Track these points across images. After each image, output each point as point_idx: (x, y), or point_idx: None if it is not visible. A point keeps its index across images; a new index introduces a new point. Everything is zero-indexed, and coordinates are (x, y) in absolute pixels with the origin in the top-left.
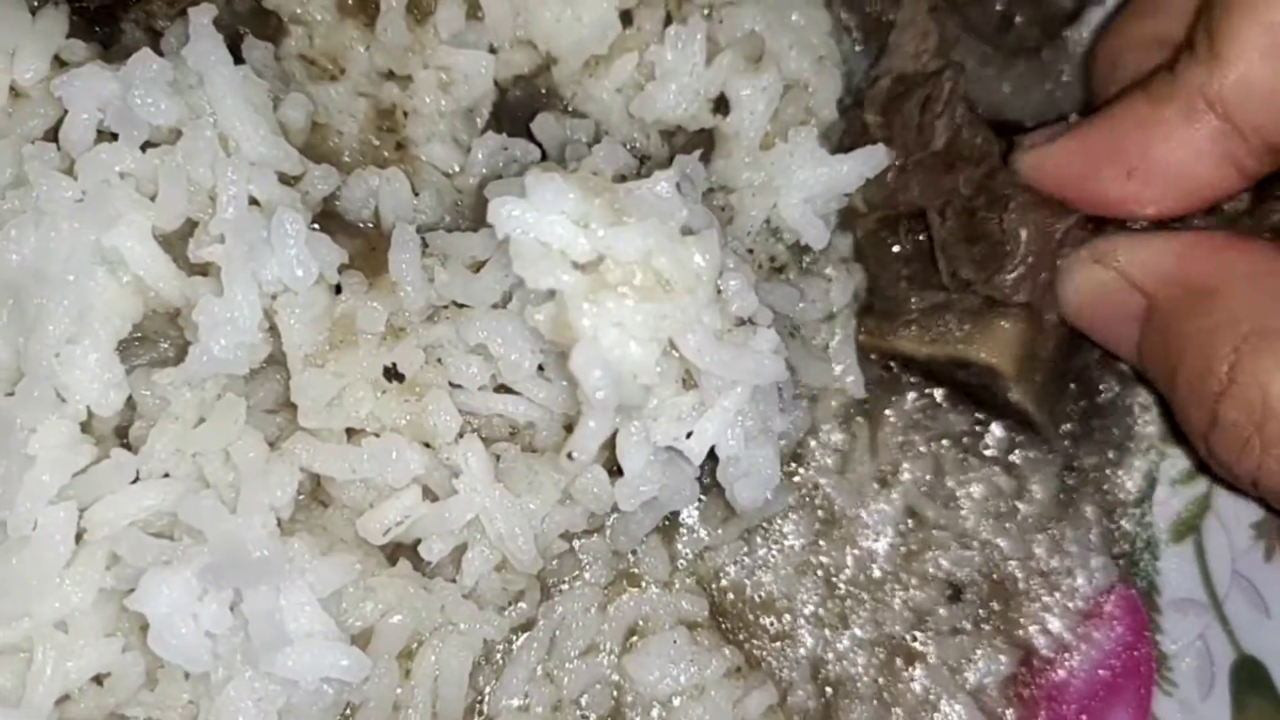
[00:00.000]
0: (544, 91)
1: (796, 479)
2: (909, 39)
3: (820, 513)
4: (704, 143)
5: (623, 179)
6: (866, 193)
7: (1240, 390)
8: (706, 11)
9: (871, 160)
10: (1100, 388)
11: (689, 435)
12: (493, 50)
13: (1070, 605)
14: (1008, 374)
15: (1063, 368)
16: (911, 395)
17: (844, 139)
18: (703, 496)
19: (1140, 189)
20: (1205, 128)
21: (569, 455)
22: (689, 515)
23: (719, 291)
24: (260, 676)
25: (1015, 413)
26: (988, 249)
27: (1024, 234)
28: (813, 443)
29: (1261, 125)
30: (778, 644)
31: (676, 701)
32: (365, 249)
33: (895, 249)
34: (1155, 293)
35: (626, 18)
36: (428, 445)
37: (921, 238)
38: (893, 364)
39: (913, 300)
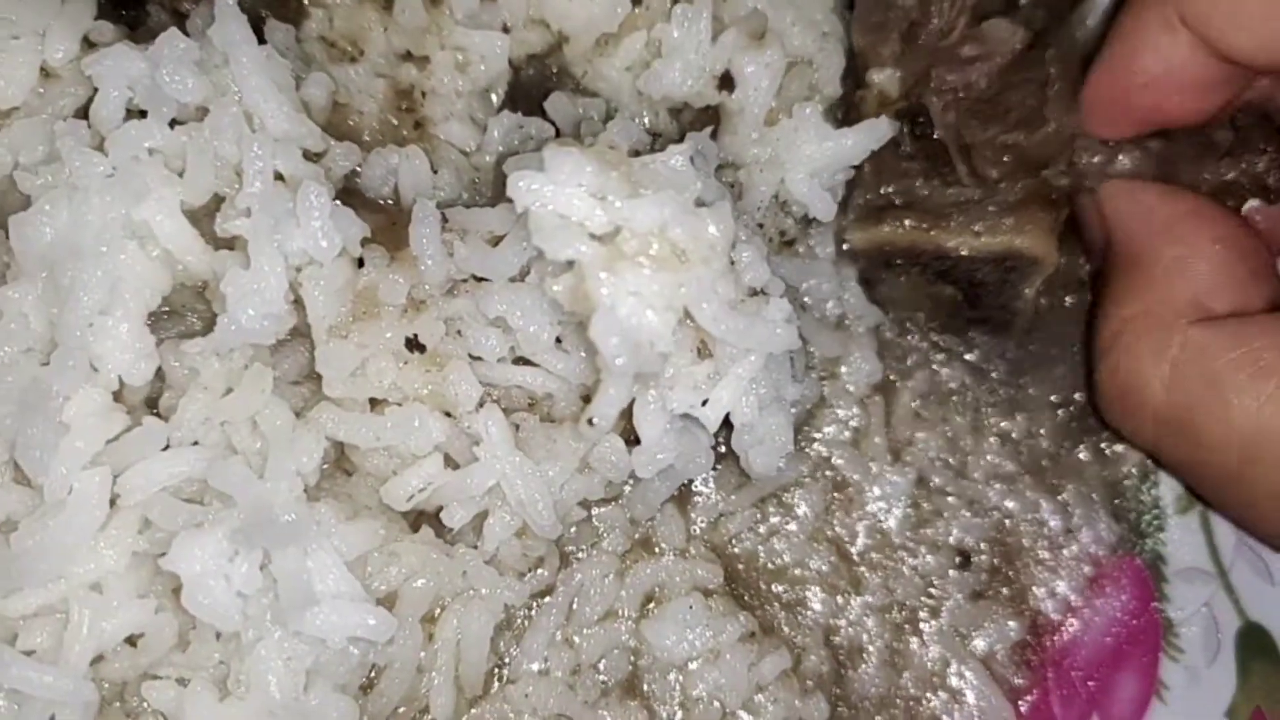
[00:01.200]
0: (555, 70)
1: (809, 450)
2: None
3: (832, 483)
4: (711, 119)
5: (636, 154)
6: (903, 82)
7: (1114, 357)
8: None
9: (875, 133)
10: None
11: (704, 403)
12: (506, 30)
13: (1077, 572)
14: (1050, 263)
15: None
16: (927, 368)
17: (860, 21)
18: (717, 465)
19: (1164, 103)
20: (1186, 45)
21: (589, 421)
22: (704, 484)
23: (732, 262)
24: (289, 636)
25: (1006, 311)
26: (1025, 153)
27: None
28: (826, 415)
29: (1231, 45)
30: (790, 610)
31: (692, 666)
32: (386, 224)
33: (900, 147)
34: (1111, 245)
35: None
36: (449, 415)
37: (923, 134)
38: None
39: (942, 195)
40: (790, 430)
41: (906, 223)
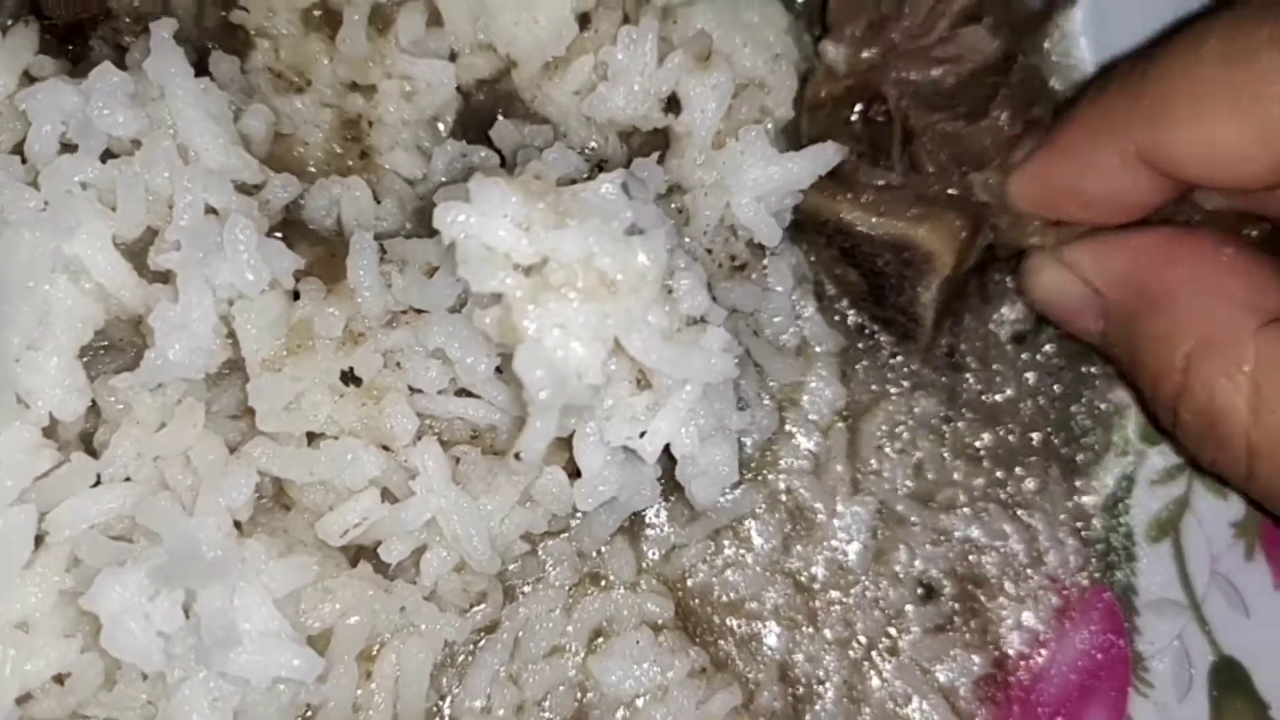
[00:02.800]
0: (507, 95)
1: (766, 479)
2: None
3: (790, 514)
4: (662, 143)
5: (573, 181)
6: (850, 61)
7: (1191, 396)
8: (662, 12)
9: (822, 158)
10: (1086, 392)
11: (643, 435)
12: (454, 56)
13: (1044, 603)
14: (944, 266)
15: (966, 284)
16: (891, 395)
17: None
18: (670, 496)
19: (1095, 214)
20: (1142, 175)
21: (516, 455)
22: (656, 515)
23: (670, 291)
24: (214, 676)
25: (907, 316)
26: (961, 145)
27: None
28: (786, 444)
29: (1193, 179)
30: (744, 645)
31: (640, 703)
32: (325, 255)
33: (850, 123)
34: (1110, 296)
35: (585, 20)
36: (386, 448)
37: (875, 119)
38: (815, 230)
39: (865, 174)
40: (735, 460)
41: (819, 184)
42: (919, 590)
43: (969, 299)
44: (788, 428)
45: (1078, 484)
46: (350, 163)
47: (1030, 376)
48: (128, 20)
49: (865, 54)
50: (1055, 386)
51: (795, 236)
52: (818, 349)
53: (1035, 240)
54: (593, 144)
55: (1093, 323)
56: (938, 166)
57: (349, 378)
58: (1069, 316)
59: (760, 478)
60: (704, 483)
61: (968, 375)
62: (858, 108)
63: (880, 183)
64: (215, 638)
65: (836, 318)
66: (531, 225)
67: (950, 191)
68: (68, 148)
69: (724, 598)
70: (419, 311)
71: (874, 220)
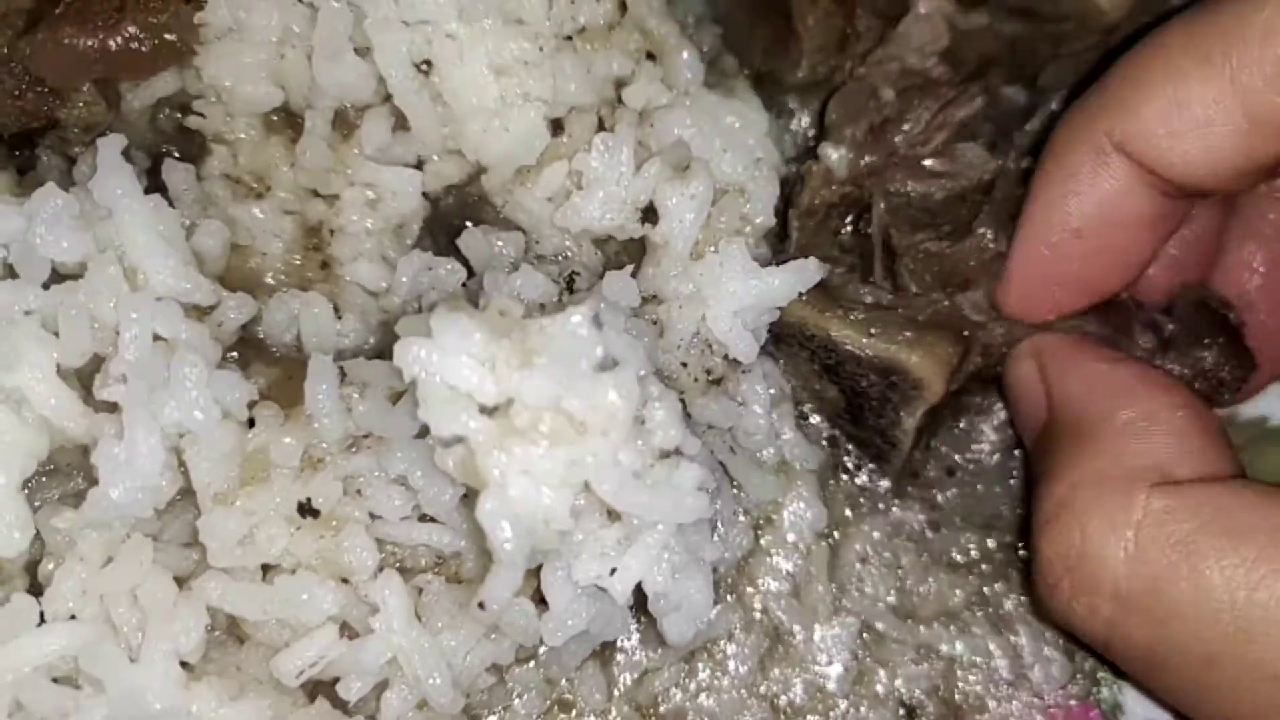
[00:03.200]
0: (477, 199)
1: (742, 600)
2: (919, 32)
3: (767, 634)
4: (637, 250)
5: (542, 307)
6: (850, 165)
7: (1061, 528)
8: (638, 116)
9: (804, 274)
10: None
11: (613, 572)
12: (420, 163)
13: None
14: (933, 395)
15: (945, 408)
16: (869, 511)
17: (840, 98)
18: (643, 618)
19: (1095, 256)
20: (1120, 171)
21: (480, 605)
22: (626, 640)
23: (642, 422)
24: None
25: (884, 439)
26: (947, 265)
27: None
28: (763, 563)
29: (1167, 163)
30: None
31: None
32: (283, 378)
33: (839, 235)
34: (1054, 412)
35: (558, 125)
36: (346, 580)
37: (865, 232)
38: (797, 343)
39: (855, 291)
40: (709, 592)
41: (809, 298)
42: (900, 711)
43: (944, 420)
44: (764, 546)
45: None
46: (310, 274)
47: (1012, 486)
48: (76, 130)
49: (866, 159)
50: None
51: (774, 347)
52: (798, 466)
53: None
54: (566, 251)
55: (1033, 427)
56: (922, 286)
57: (306, 509)
58: (1020, 415)
59: (736, 598)
60: (677, 619)
61: (950, 488)
62: (848, 219)
63: (870, 300)
64: None
65: (811, 433)
66: (496, 364)
67: (940, 309)
68: (10, 271)
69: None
70: (381, 435)
71: (865, 341)
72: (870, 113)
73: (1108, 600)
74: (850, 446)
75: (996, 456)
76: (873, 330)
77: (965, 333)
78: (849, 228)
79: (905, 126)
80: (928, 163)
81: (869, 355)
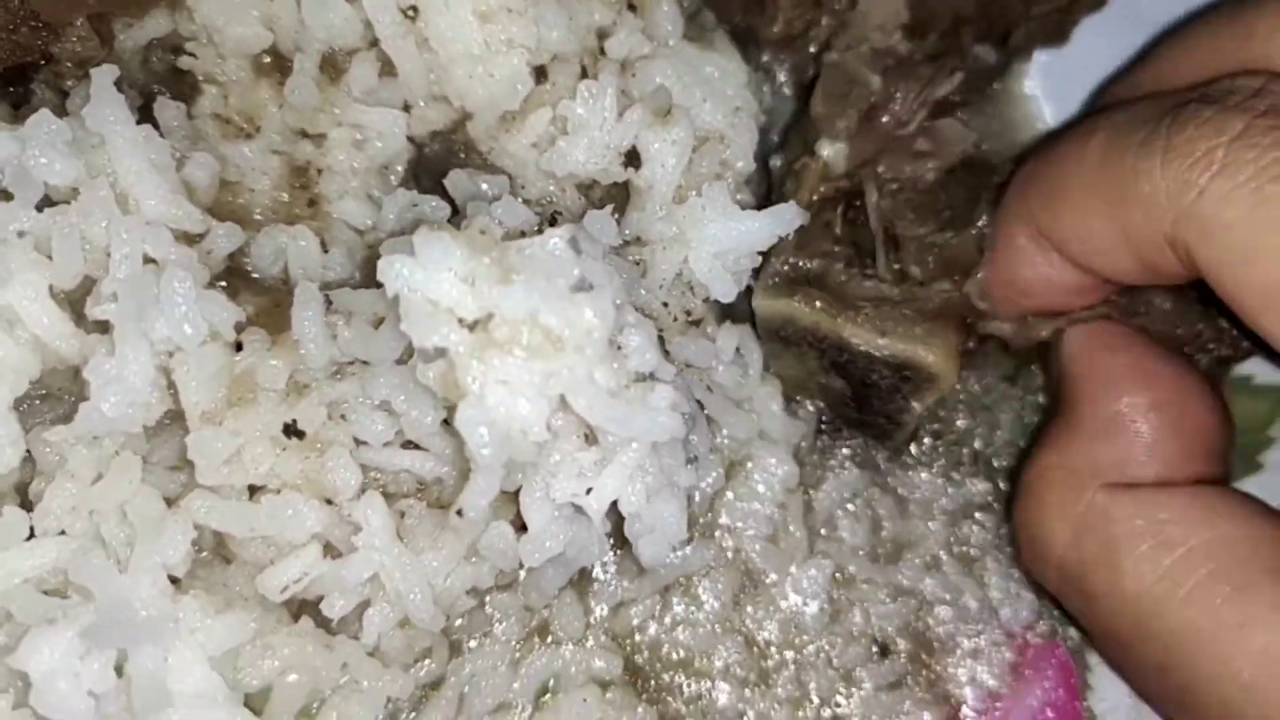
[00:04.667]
0: (462, 145)
1: (716, 537)
2: (877, 10)
3: (742, 572)
4: (621, 196)
5: (522, 235)
6: (849, 158)
7: (1026, 503)
8: (620, 66)
9: (784, 219)
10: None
11: (589, 491)
12: (407, 107)
13: (998, 659)
14: (947, 385)
15: None
16: (847, 459)
17: (822, 90)
18: (618, 550)
19: (1040, 302)
20: (1053, 258)
21: (458, 512)
22: (604, 570)
23: (619, 347)
24: None
25: (890, 421)
26: (950, 253)
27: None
28: (735, 509)
29: (1089, 269)
30: (694, 703)
31: None
32: (270, 306)
33: (830, 226)
34: (1061, 384)
35: (542, 73)
36: (329, 502)
37: (858, 222)
38: (807, 344)
39: (859, 287)
40: (684, 518)
41: (817, 303)
42: (873, 648)
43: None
44: (735, 489)
45: None
46: (298, 211)
47: (989, 432)
48: (70, 65)
49: (861, 148)
50: (1014, 442)
51: (781, 349)
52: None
53: (1045, 334)
54: (551, 196)
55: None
56: (926, 276)
57: (292, 430)
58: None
59: (711, 535)
60: (651, 541)
61: (925, 438)
62: (839, 209)
63: (876, 295)
64: (146, 700)
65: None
66: (476, 280)
67: (949, 294)
68: (4, 195)
69: (673, 655)
70: (365, 363)
71: (881, 341)
72: (857, 100)
73: (1053, 572)
74: (845, 430)
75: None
76: (886, 329)
77: (968, 319)
78: (840, 219)
79: (894, 106)
80: (915, 145)
81: (886, 355)
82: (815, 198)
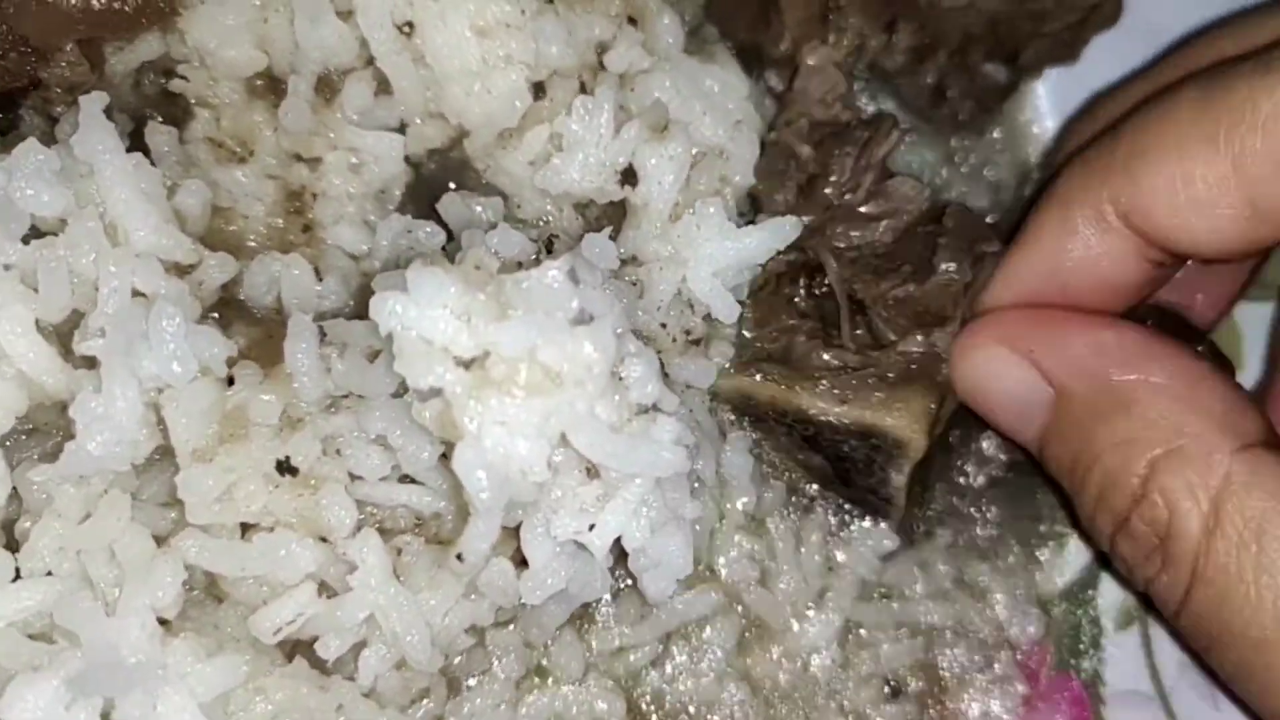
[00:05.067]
0: (459, 164)
1: (721, 578)
2: (816, 85)
3: (745, 620)
4: (618, 214)
5: (519, 265)
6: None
7: (1149, 506)
8: (619, 80)
9: (780, 232)
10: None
11: (592, 528)
12: (403, 126)
13: (1011, 693)
14: (916, 451)
15: (934, 452)
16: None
17: (762, 167)
18: (621, 589)
19: (1074, 304)
20: (1118, 238)
21: (458, 557)
22: (605, 613)
23: (620, 378)
24: None
25: (878, 496)
26: (918, 306)
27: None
28: (732, 551)
29: (1170, 238)
30: None
31: None
32: (263, 337)
33: (794, 301)
34: (1069, 390)
35: (540, 89)
36: (324, 539)
37: (820, 293)
38: (774, 419)
39: (818, 358)
40: (689, 551)
41: (774, 376)
42: (885, 689)
43: (937, 464)
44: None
45: (1043, 569)
46: (292, 237)
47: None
48: (59, 90)
49: (805, 220)
50: (1019, 471)
51: (753, 426)
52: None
53: None
54: (547, 216)
55: (1033, 414)
56: (898, 332)
57: (285, 467)
58: (1004, 407)
59: (715, 575)
60: (656, 576)
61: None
62: (800, 284)
63: (836, 364)
64: None
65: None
66: (472, 317)
67: (914, 355)
68: None
69: (676, 703)
70: (360, 396)
71: (838, 410)
72: (794, 174)
73: (1187, 576)
74: (847, 506)
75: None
76: (845, 397)
77: (939, 377)
78: (802, 292)
79: (832, 178)
80: (864, 208)
81: (845, 423)
82: (767, 272)
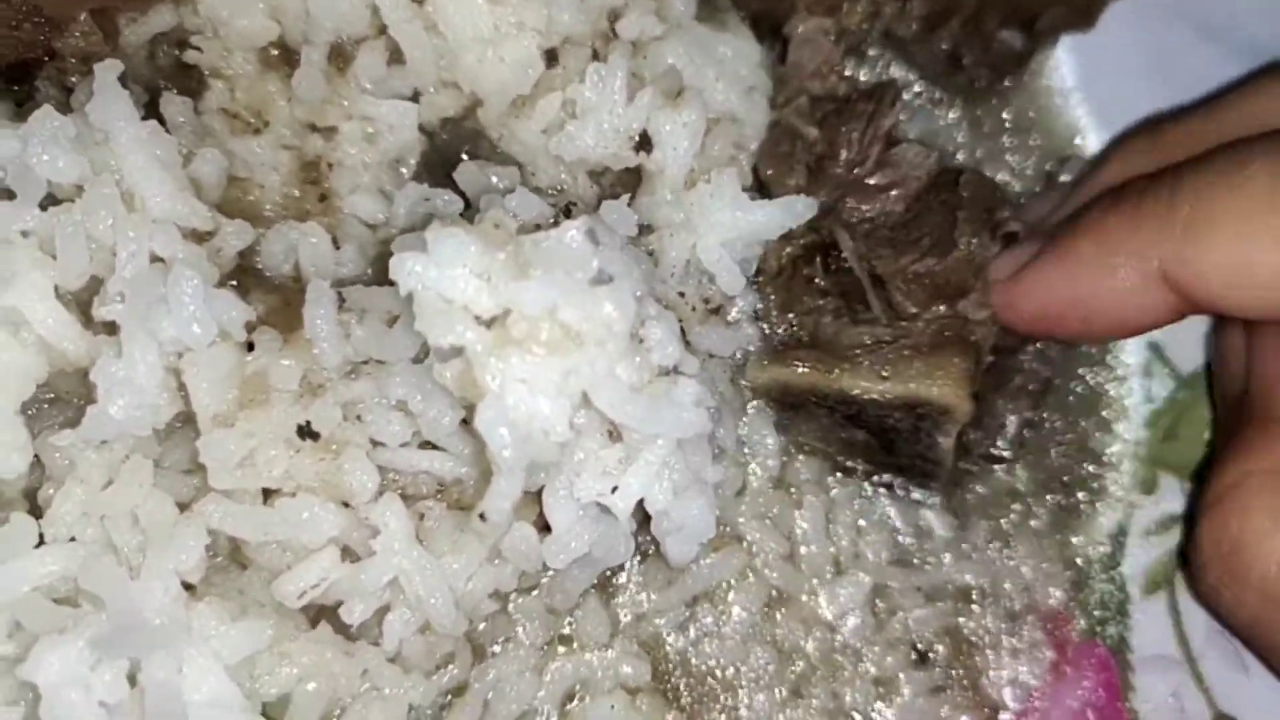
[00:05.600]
0: (473, 133)
1: (744, 542)
2: (808, 57)
3: (771, 585)
4: (633, 182)
5: (538, 227)
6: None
7: (1222, 513)
8: (631, 48)
9: (793, 210)
10: (1078, 442)
11: (615, 490)
12: (416, 95)
13: (1037, 659)
14: (963, 414)
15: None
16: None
17: (767, 150)
18: (645, 556)
19: (1093, 331)
20: (1158, 295)
21: (480, 516)
22: (630, 578)
23: (640, 341)
24: None
25: (925, 460)
26: (939, 280)
27: (973, 257)
28: (755, 517)
29: (1218, 306)
30: (730, 713)
31: None
32: (281, 305)
33: (814, 282)
34: (1252, 386)
35: (553, 56)
36: (346, 504)
37: (837, 269)
38: (813, 404)
39: (850, 336)
40: (712, 515)
41: (809, 363)
42: (912, 655)
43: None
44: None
45: (1070, 534)
46: (308, 207)
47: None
48: (73, 61)
49: (821, 202)
50: (1049, 437)
51: (790, 417)
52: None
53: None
54: (562, 184)
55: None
56: (919, 304)
57: (306, 432)
58: (1220, 371)
59: (739, 540)
60: (679, 539)
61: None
62: (817, 263)
63: (870, 340)
64: (160, 710)
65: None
66: (492, 276)
67: (942, 321)
68: (6, 194)
69: (702, 666)
70: (380, 362)
71: (881, 387)
72: (801, 155)
73: (1254, 595)
74: (892, 478)
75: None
76: (884, 372)
77: (973, 337)
78: (821, 271)
79: (841, 155)
80: (873, 180)
81: (890, 399)
82: (784, 259)
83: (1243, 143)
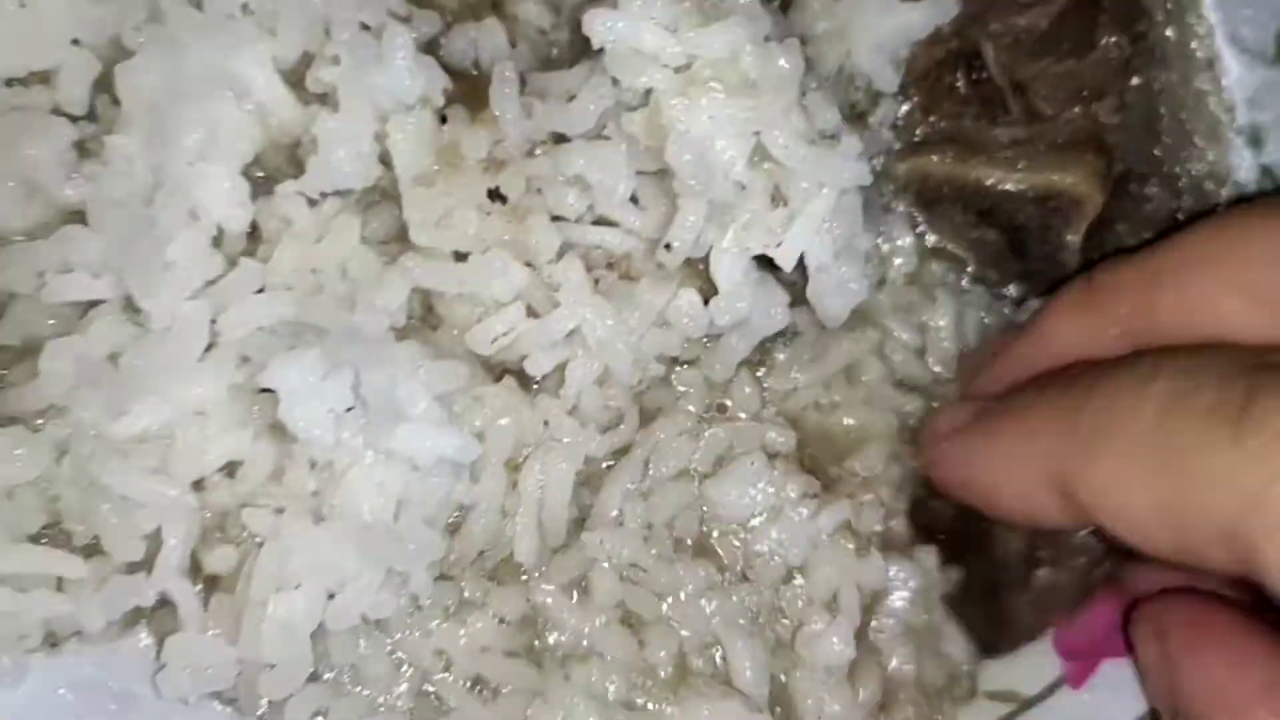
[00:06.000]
0: None
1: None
2: None
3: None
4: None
5: None
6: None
7: None
8: None
9: (941, 8)
10: None
11: (779, 246)
12: None
13: None
14: (1094, 207)
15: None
16: None
17: None
18: (795, 334)
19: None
20: (1057, 501)
21: (666, 246)
22: (778, 357)
23: (805, 107)
24: (380, 462)
25: (1051, 265)
26: (1076, 81)
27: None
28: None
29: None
30: (858, 478)
31: (755, 523)
32: (468, 90)
33: (956, 88)
34: (1179, 702)
35: None
36: (530, 265)
37: (979, 78)
38: (948, 200)
39: (989, 134)
40: (864, 279)
41: (948, 155)
42: None
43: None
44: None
45: None
46: (483, 13)
47: None
48: None
49: (967, 9)
50: None
51: (926, 215)
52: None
53: None
54: None
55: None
56: (1057, 108)
57: (495, 195)
58: (1146, 688)
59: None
60: (836, 296)
61: None
62: (959, 71)
63: (1007, 139)
64: (383, 413)
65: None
66: (679, 25)
67: (1077, 125)
68: None
69: (842, 437)
70: (558, 142)
71: (1016, 175)
72: None
73: None
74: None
75: None
76: (1019, 164)
77: (1108, 139)
78: (962, 79)
79: None
80: None
81: (1022, 189)
82: (931, 61)
83: (1152, 356)
